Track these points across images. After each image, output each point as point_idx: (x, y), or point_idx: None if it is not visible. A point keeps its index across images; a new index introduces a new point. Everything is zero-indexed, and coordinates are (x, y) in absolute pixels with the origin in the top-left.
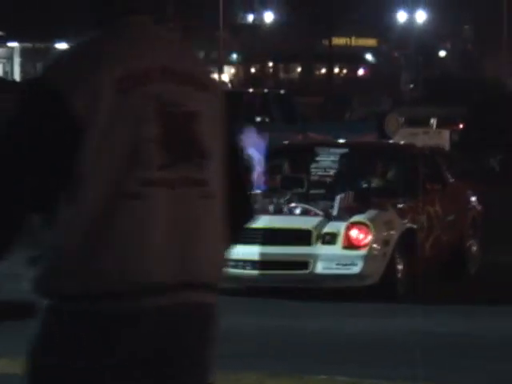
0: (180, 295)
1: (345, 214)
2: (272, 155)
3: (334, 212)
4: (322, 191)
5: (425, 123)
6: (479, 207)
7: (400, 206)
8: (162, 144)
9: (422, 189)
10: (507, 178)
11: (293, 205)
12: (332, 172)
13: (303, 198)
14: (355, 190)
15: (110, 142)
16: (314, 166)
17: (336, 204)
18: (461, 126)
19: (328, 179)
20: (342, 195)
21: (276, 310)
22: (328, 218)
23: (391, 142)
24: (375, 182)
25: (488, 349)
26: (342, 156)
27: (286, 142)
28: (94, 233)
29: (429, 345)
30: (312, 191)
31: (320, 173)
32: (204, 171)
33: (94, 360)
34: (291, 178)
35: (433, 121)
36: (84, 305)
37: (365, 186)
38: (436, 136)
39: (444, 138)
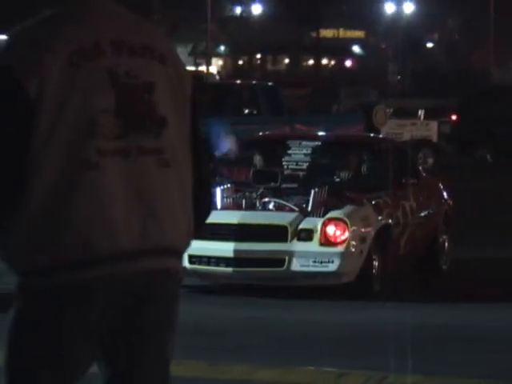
0: (144, 262)
1: (320, 209)
2: (243, 148)
3: (309, 207)
4: (294, 185)
5: (413, 115)
6: (451, 202)
7: (376, 201)
8: (116, 114)
9: (397, 183)
10: (499, 170)
11: (266, 200)
12: (304, 166)
13: (276, 193)
14: (330, 184)
15: (65, 115)
16: (285, 159)
17: (311, 199)
18: (450, 117)
19: (300, 173)
20: (317, 190)
21: (260, 303)
22: (303, 213)
23: (364, 134)
24: (349, 176)
25: (472, 340)
26: (315, 149)
27: (257, 135)
28: (55, 206)
29: (413, 337)
30: (284, 185)
31: (292, 166)
32: (160, 139)
33: (64, 334)
34: (264, 172)
35: (420, 112)
36: (52, 279)
37: (339, 180)
38: (423, 127)
39: (432, 130)
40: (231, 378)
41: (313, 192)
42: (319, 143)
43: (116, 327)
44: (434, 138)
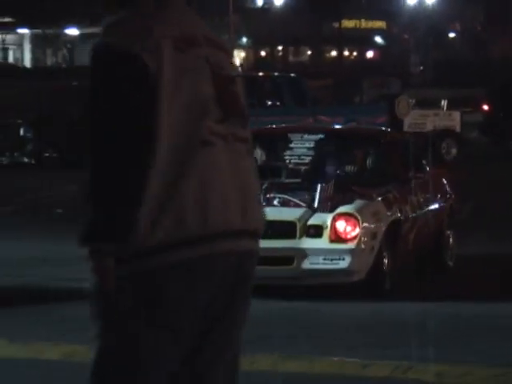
0: (241, 242)
1: (328, 204)
2: None
3: (316, 203)
4: (298, 180)
5: (435, 105)
6: (455, 196)
7: (385, 195)
8: (216, 101)
9: (404, 177)
10: None
11: (271, 195)
12: (307, 160)
13: (280, 188)
14: (336, 178)
15: (178, 96)
16: (288, 153)
17: (317, 194)
18: (480, 107)
19: (303, 167)
20: (324, 184)
21: (281, 293)
22: (311, 209)
23: (369, 127)
24: (354, 170)
25: (495, 330)
26: (318, 143)
27: (257, 128)
28: (174, 185)
29: (439, 327)
30: (287, 180)
31: (295, 160)
32: (245, 129)
33: (182, 311)
34: (267, 166)
35: (443, 102)
36: (170, 257)
37: (344, 174)
38: (446, 117)
39: (455, 120)
40: (258, 368)
41: (319, 187)
42: (322, 136)
43: (219, 303)
44: (457, 128)
